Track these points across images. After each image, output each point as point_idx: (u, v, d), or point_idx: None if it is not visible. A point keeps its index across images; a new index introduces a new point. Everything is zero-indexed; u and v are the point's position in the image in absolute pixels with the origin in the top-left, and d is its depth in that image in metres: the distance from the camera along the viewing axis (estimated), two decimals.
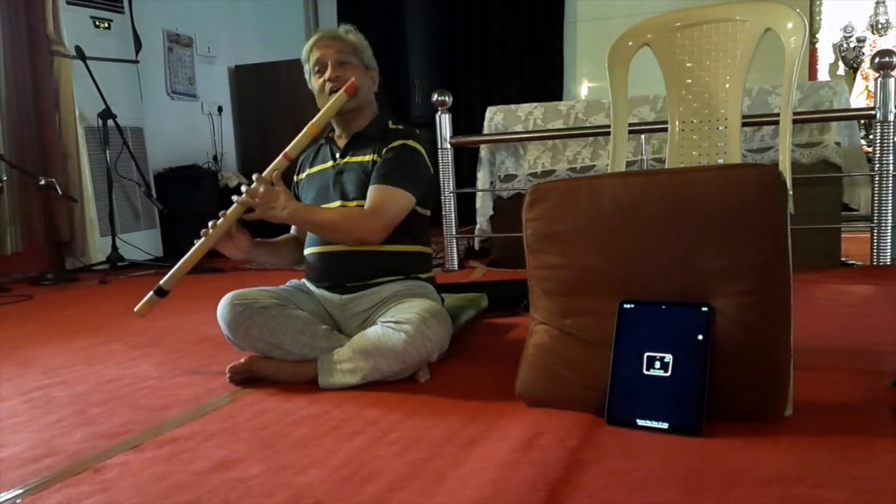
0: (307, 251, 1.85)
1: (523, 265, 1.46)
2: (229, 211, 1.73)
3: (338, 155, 1.84)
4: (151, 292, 1.73)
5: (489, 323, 2.20)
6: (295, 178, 1.95)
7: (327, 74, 1.77)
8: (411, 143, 1.79)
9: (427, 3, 5.90)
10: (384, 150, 1.77)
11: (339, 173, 1.82)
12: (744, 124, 2.16)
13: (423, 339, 1.57)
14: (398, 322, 1.60)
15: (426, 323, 1.59)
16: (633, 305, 1.33)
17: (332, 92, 1.76)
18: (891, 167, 2.78)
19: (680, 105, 1.86)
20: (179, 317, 2.57)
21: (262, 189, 1.69)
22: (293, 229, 1.96)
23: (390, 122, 1.86)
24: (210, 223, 1.74)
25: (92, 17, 3.90)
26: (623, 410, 1.28)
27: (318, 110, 1.79)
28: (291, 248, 1.94)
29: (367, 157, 1.79)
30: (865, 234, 2.88)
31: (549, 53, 5.59)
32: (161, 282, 1.73)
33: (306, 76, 1.85)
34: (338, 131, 1.87)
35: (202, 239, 1.73)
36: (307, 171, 1.90)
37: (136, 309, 1.74)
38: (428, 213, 1.87)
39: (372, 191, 1.73)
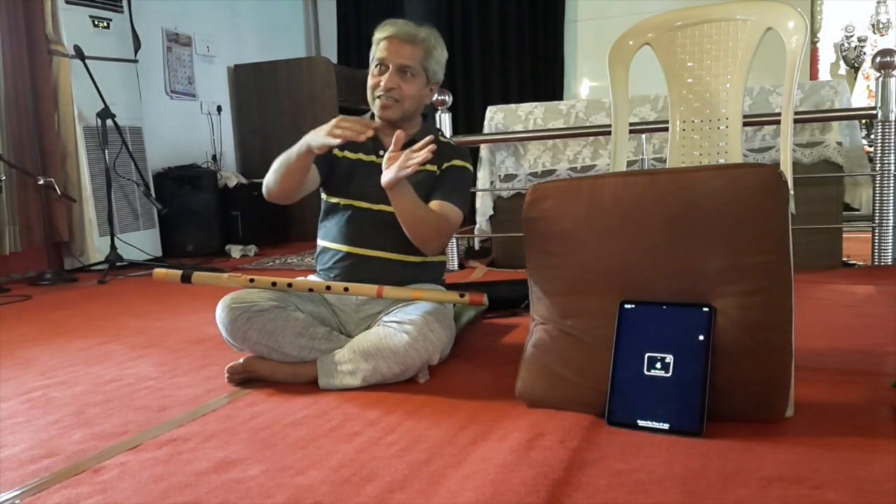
0: (330, 244, 1.81)
1: (523, 265, 1.45)
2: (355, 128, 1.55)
3: (382, 152, 1.78)
4: (180, 272, 1.74)
5: (489, 323, 2.20)
6: (336, 151, 1.83)
7: (383, 81, 1.73)
8: (468, 165, 1.84)
9: (427, 2, 5.89)
10: (444, 165, 1.79)
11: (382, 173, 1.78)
12: (745, 124, 2.16)
13: (425, 342, 1.57)
14: (400, 322, 1.59)
15: (429, 325, 1.58)
16: (633, 306, 1.32)
17: (380, 99, 1.74)
18: (892, 167, 2.77)
19: (681, 104, 1.85)
20: (178, 317, 2.57)
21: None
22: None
23: (440, 136, 1.86)
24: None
25: (91, 17, 3.89)
26: (624, 411, 1.28)
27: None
28: (303, 186, 1.76)
29: (426, 168, 1.75)
30: (867, 234, 2.88)
31: (549, 53, 5.58)
32: (195, 272, 1.74)
33: (370, 59, 1.79)
34: (382, 126, 1.80)
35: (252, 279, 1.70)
36: (345, 153, 1.82)
37: (155, 271, 1.78)
38: None
39: (440, 205, 1.71)
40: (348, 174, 1.82)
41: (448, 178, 1.79)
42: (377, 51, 1.76)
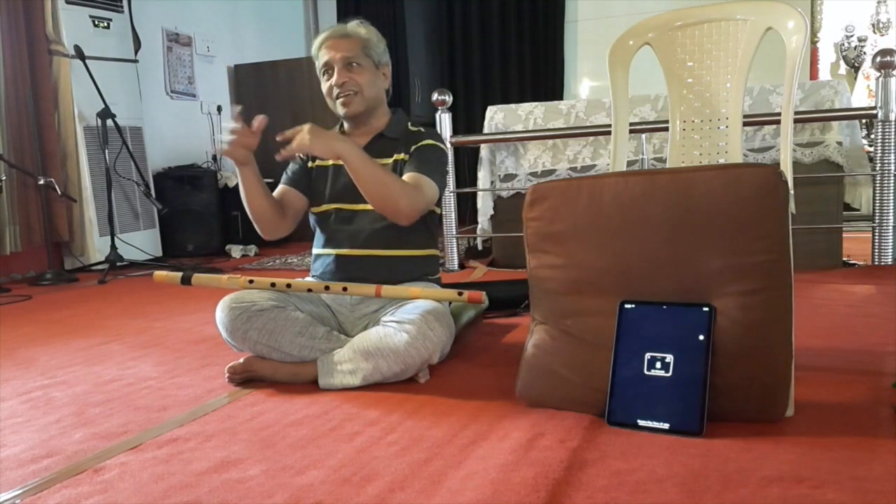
0: (321, 251, 1.83)
1: (523, 265, 1.45)
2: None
3: None
4: (181, 273, 1.74)
5: (490, 323, 2.20)
6: (308, 163, 1.88)
7: (334, 79, 1.75)
8: (439, 143, 1.82)
9: (427, 2, 5.90)
10: (413, 147, 1.78)
11: None
12: (745, 124, 2.16)
13: (425, 341, 1.57)
14: (400, 322, 1.59)
15: (428, 324, 1.58)
16: (634, 305, 1.32)
17: (340, 98, 1.75)
18: (892, 167, 2.77)
19: (681, 104, 1.85)
20: (178, 317, 2.57)
21: (308, 128, 1.60)
22: (279, 191, 1.86)
23: (410, 125, 1.86)
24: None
25: (91, 17, 3.90)
26: (624, 411, 1.28)
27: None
28: (276, 204, 1.80)
29: (395, 157, 1.78)
30: (867, 234, 2.88)
31: (549, 52, 5.59)
32: (195, 274, 1.74)
33: (318, 73, 1.82)
34: (349, 128, 1.85)
35: (251, 281, 1.71)
36: (318, 162, 1.86)
37: (155, 273, 1.78)
38: (440, 211, 1.87)
39: (409, 176, 1.71)
40: (323, 181, 1.84)
41: (417, 155, 1.77)
42: (320, 59, 1.78)
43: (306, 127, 1.60)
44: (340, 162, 1.79)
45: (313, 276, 1.87)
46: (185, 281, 1.74)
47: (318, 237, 1.86)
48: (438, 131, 1.91)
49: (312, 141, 1.59)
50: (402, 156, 1.79)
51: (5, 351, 2.17)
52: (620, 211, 1.32)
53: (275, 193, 1.85)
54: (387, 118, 1.84)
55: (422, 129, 1.85)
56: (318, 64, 1.79)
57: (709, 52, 1.80)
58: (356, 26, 1.80)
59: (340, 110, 1.78)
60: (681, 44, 1.83)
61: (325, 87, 1.79)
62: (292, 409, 1.48)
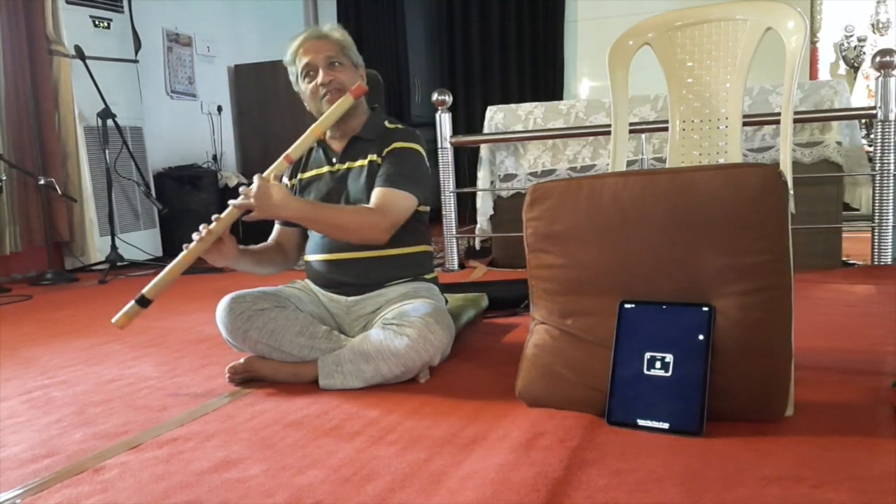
0: (310, 257, 1.83)
1: (523, 265, 1.45)
2: (224, 214, 1.66)
3: (335, 159, 1.81)
4: (133, 302, 1.61)
5: (489, 323, 2.20)
6: (287, 181, 1.88)
7: (320, 79, 1.73)
8: (412, 144, 1.79)
9: (427, 2, 5.90)
10: (385, 151, 1.76)
11: (340, 179, 1.79)
12: (745, 123, 2.16)
13: (426, 344, 1.57)
14: (400, 325, 1.59)
15: (429, 327, 1.58)
16: (633, 305, 1.32)
17: (327, 97, 1.74)
18: (892, 166, 2.77)
19: (681, 104, 1.85)
20: (178, 317, 2.57)
21: (257, 187, 1.61)
22: (274, 234, 1.91)
23: (387, 122, 1.83)
24: (202, 227, 1.66)
25: (91, 17, 3.90)
26: (624, 411, 1.28)
27: (311, 113, 1.80)
28: (275, 256, 1.86)
29: (369, 160, 1.77)
30: (866, 234, 2.88)
31: (549, 53, 5.59)
32: (144, 290, 1.62)
33: (292, 78, 1.81)
34: (330, 133, 1.84)
35: (192, 244, 1.64)
36: (300, 176, 1.86)
37: (113, 320, 1.62)
38: (428, 209, 1.86)
39: (377, 192, 1.71)
40: (308, 192, 1.83)
41: (389, 161, 1.75)
42: (299, 62, 1.76)
43: (253, 189, 1.61)
44: (322, 171, 1.82)
45: (309, 281, 1.86)
46: (143, 303, 1.61)
47: (309, 243, 1.84)
48: (413, 129, 1.86)
49: (256, 209, 1.61)
50: (374, 157, 1.76)
51: (5, 351, 2.17)
52: (620, 211, 1.32)
53: (272, 236, 1.90)
54: (364, 118, 1.82)
55: (399, 126, 1.83)
56: (297, 68, 1.77)
57: (708, 52, 1.80)
58: (331, 29, 1.80)
59: (328, 110, 1.75)
60: (680, 44, 1.83)
61: (308, 88, 1.77)
62: (292, 409, 1.48)
